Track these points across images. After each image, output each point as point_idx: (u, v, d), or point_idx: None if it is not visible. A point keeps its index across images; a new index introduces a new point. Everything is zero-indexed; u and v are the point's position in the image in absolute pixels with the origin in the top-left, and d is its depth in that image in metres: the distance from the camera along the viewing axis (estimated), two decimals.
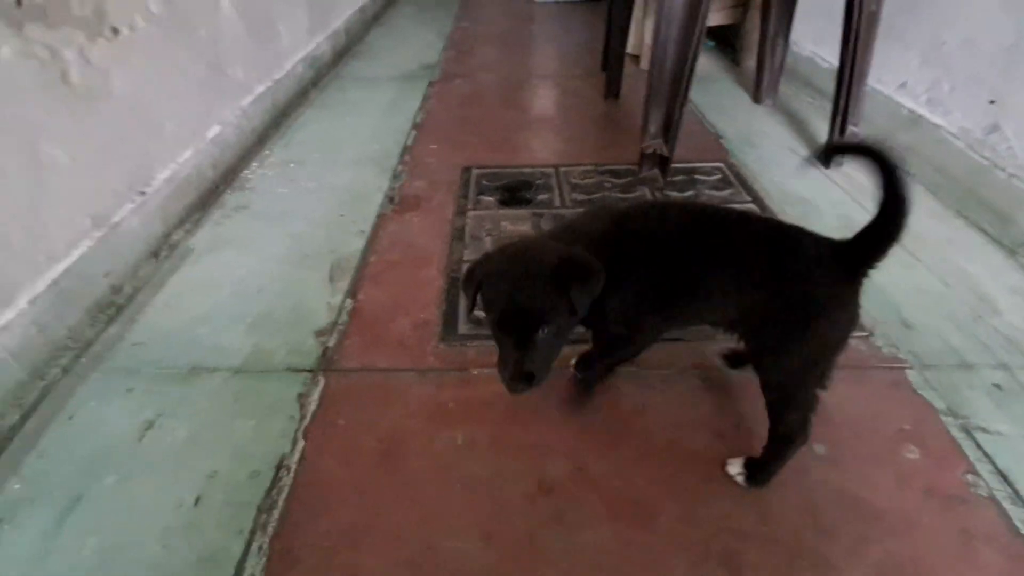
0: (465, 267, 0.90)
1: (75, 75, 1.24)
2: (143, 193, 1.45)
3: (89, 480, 0.98)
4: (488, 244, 1.54)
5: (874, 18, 1.75)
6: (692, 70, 1.58)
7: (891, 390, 1.12)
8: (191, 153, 1.66)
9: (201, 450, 1.02)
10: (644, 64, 2.72)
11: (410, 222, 1.67)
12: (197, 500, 0.94)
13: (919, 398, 1.10)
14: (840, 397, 1.08)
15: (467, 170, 1.92)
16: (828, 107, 1.95)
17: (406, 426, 1.06)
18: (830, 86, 1.93)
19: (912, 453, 1.00)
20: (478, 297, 0.87)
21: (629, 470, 0.97)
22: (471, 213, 1.69)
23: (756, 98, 2.39)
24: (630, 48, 2.62)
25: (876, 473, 0.97)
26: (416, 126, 2.27)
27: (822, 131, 2.07)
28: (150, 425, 1.06)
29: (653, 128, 1.69)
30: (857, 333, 1.22)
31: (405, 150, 2.08)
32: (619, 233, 0.91)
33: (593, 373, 1.11)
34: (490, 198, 1.76)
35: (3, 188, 1.07)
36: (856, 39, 1.77)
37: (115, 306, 1.32)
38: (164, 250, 1.51)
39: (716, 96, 2.44)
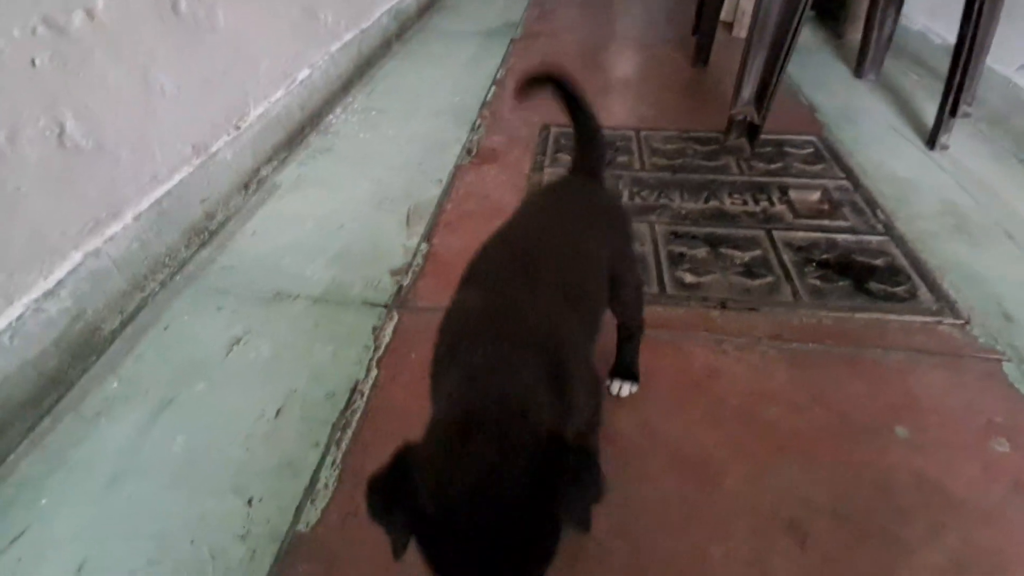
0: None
1: (185, 6, 1.30)
2: (238, 127, 1.51)
3: (180, 385, 1.05)
4: None
5: None
6: (796, 36, 1.49)
7: (985, 381, 1.05)
8: (282, 93, 1.71)
9: (282, 368, 1.07)
10: (737, 32, 2.59)
11: (486, 174, 1.67)
12: (278, 412, 0.99)
13: (1014, 392, 1.03)
14: (930, 383, 1.03)
15: (545, 128, 1.90)
16: (937, 86, 1.81)
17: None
18: (941, 64, 1.79)
19: (1001, 446, 0.94)
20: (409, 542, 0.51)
21: (697, 431, 0.95)
22: (548, 170, 1.67)
23: (858, 73, 2.24)
24: (723, 14, 2.50)
25: (961, 462, 0.92)
26: (496, 82, 2.26)
27: (929, 110, 1.93)
28: (237, 341, 1.12)
29: (746, 94, 1.62)
30: (952, 320, 1.16)
31: (484, 105, 2.08)
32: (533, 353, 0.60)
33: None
34: (568, 157, 1.74)
35: (118, 109, 1.14)
36: (979, 14, 1.63)
37: (208, 231, 1.40)
38: (253, 183, 1.58)
39: (814, 68, 2.30)
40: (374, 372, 1.07)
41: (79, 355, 1.06)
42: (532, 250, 0.76)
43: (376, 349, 1.11)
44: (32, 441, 0.96)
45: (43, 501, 0.88)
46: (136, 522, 0.85)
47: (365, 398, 1.02)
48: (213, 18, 1.38)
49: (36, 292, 0.99)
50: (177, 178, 1.30)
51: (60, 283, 1.02)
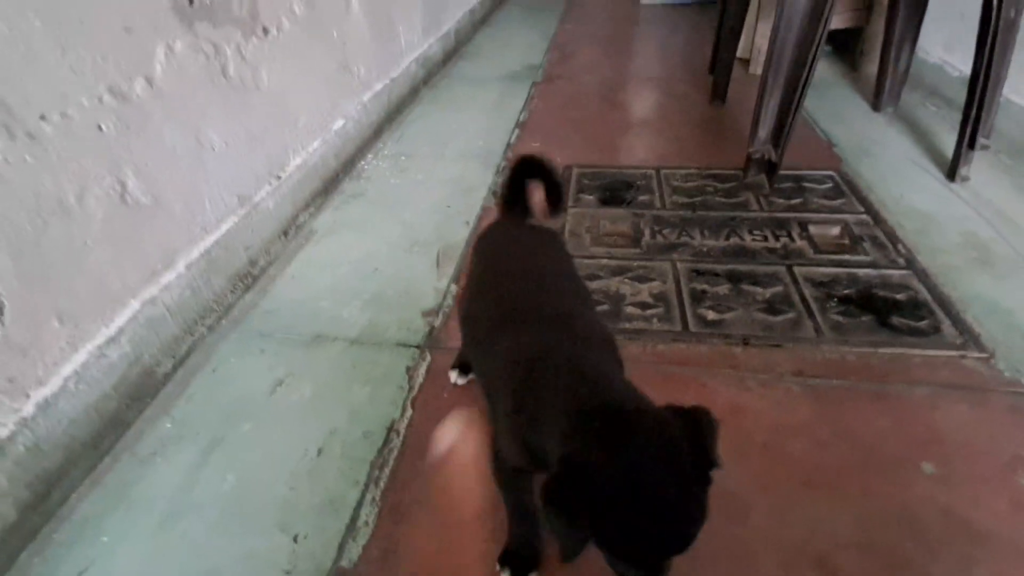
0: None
1: (232, 69, 1.40)
2: (279, 178, 1.61)
3: (229, 425, 1.11)
4: (588, 240, 1.58)
5: (1013, 24, 1.63)
6: (811, 74, 1.54)
7: (1010, 415, 1.06)
8: (319, 143, 1.81)
9: (323, 409, 1.13)
10: (754, 68, 2.66)
11: None
12: (319, 451, 1.05)
13: None
14: (955, 418, 1.04)
15: (568, 168, 1.97)
16: (955, 117, 1.83)
17: None
18: (958, 96, 1.82)
19: None
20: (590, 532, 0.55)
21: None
22: (572, 210, 1.73)
23: (876, 106, 2.28)
24: (740, 51, 2.57)
25: (988, 496, 0.92)
26: (519, 125, 2.34)
27: (948, 142, 1.95)
28: (280, 383, 1.19)
29: (763, 133, 1.67)
30: (977, 354, 1.17)
31: (509, 147, 2.16)
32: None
33: None
34: (590, 197, 1.80)
35: (173, 166, 1.23)
36: (992, 46, 1.66)
37: (251, 276, 1.48)
38: (292, 230, 1.67)
39: (831, 102, 2.35)
40: (409, 412, 1.12)
41: (136, 397, 1.14)
42: (533, 273, 0.86)
43: (410, 389, 1.16)
44: (93, 480, 1.03)
45: (104, 539, 0.94)
46: (190, 559, 0.90)
47: (401, 437, 1.07)
48: (258, 79, 1.49)
49: (99, 339, 1.07)
50: (224, 228, 1.39)
51: (121, 330, 1.10)
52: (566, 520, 0.55)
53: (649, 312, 1.32)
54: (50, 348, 0.98)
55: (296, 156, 1.70)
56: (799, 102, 1.59)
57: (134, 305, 1.15)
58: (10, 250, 0.90)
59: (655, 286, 1.40)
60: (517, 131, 2.28)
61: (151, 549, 0.92)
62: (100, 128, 1.07)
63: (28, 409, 0.94)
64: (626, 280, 1.42)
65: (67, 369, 1.01)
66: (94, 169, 1.06)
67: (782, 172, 1.74)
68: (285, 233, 1.63)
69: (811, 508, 0.91)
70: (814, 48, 1.54)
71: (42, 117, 0.96)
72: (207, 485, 1.01)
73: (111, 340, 1.09)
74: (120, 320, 1.11)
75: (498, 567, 0.85)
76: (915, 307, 1.29)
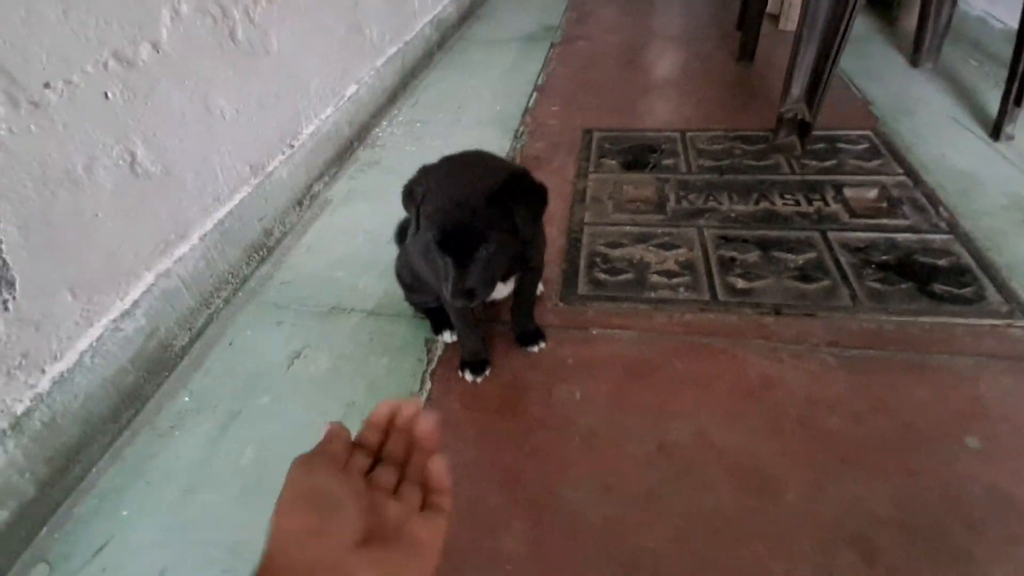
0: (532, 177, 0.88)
1: (241, 33, 1.35)
2: (292, 146, 1.57)
3: (247, 398, 1.09)
4: (610, 207, 1.53)
5: None
6: (849, 27, 1.45)
7: None
8: (332, 110, 1.76)
9: (341, 381, 1.11)
10: (784, 24, 2.53)
11: None
12: None
13: None
14: (1000, 389, 0.99)
15: (588, 132, 1.90)
16: (1000, 73, 1.72)
17: (526, 378, 1.09)
18: (1003, 50, 1.71)
19: None
20: (419, 213, 0.86)
21: (754, 441, 0.94)
22: (592, 176, 1.67)
23: (914, 61, 2.15)
24: (769, 7, 2.45)
25: None
26: (537, 88, 2.26)
27: (992, 100, 1.84)
28: (297, 355, 1.17)
29: (796, 90, 1.58)
30: (1022, 323, 1.10)
31: (526, 111, 2.09)
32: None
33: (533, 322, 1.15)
34: (612, 161, 1.74)
35: (183, 135, 1.20)
36: None
37: (266, 247, 1.45)
38: (306, 199, 1.63)
39: (866, 58, 2.22)
40: (428, 384, 1.09)
41: (153, 371, 1.13)
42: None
43: (429, 362, 1.14)
44: (112, 455, 1.02)
45: (124, 512, 0.94)
46: (211, 533, 0.89)
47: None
48: (267, 43, 1.44)
49: (114, 313, 1.05)
50: (237, 198, 1.36)
51: (135, 303, 1.08)
52: (405, 200, 0.90)
53: (675, 281, 1.27)
54: (64, 322, 0.97)
55: (309, 124, 1.66)
56: (836, 57, 1.50)
57: (148, 278, 1.13)
58: (18, 222, 0.88)
59: (681, 253, 1.34)
60: (535, 94, 2.21)
61: (171, 523, 0.91)
62: (106, 96, 1.03)
63: (44, 384, 0.93)
64: (651, 248, 1.37)
65: (83, 343, 1.00)
66: (102, 138, 1.03)
67: (814, 133, 1.65)
68: (299, 203, 1.60)
69: (848, 485, 0.87)
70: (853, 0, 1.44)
71: (46, 85, 0.92)
72: (226, 459, 1.00)
73: (126, 314, 1.07)
74: (135, 293, 1.09)
75: (460, 372, 1.09)
76: (958, 273, 1.23)
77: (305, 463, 0.42)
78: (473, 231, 0.82)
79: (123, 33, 1.05)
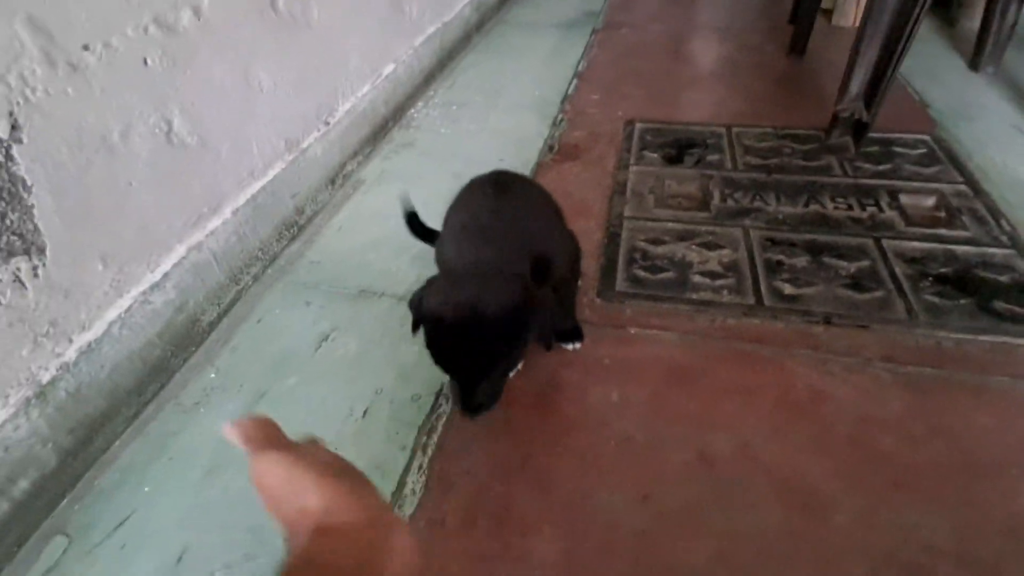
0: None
1: (282, 3, 1.31)
2: (327, 123, 1.53)
3: (273, 378, 1.07)
4: (651, 201, 1.47)
5: None
6: (917, 25, 1.37)
7: None
8: (368, 88, 1.73)
9: (369, 366, 1.08)
10: (837, 20, 2.43)
11: (569, 172, 1.63)
12: (365, 412, 1.00)
13: None
14: None
15: (630, 123, 1.84)
16: None
17: (561, 376, 1.05)
18: None
19: None
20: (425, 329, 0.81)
21: (802, 458, 0.89)
22: (633, 168, 1.62)
23: (974, 65, 2.05)
24: (823, 1, 2.35)
25: None
26: (578, 75, 2.20)
27: None
28: (325, 337, 1.14)
29: (855, 88, 1.50)
30: None
31: (566, 99, 2.03)
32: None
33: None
34: (654, 154, 1.68)
35: (220, 106, 1.17)
36: None
37: (297, 225, 1.42)
38: (339, 178, 1.60)
39: (924, 59, 2.12)
40: None
41: (180, 345, 1.11)
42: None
43: None
44: (136, 428, 1.01)
45: (146, 488, 0.92)
46: (233, 514, 0.87)
47: (450, 403, 1.01)
48: (308, 15, 1.40)
49: (144, 284, 1.03)
50: (271, 173, 1.33)
51: (166, 275, 1.06)
52: (412, 307, 0.83)
53: (719, 283, 1.21)
54: (94, 292, 0.95)
55: (345, 101, 1.62)
56: (901, 56, 1.41)
57: (180, 250, 1.10)
58: (51, 187, 0.86)
59: (725, 254, 1.29)
60: (575, 81, 2.14)
61: (193, 501, 0.89)
62: (145, 62, 1.01)
63: (70, 354, 0.91)
64: (693, 246, 1.31)
65: (111, 314, 0.98)
66: (139, 105, 1.00)
67: (869, 134, 1.57)
68: (332, 181, 1.57)
69: (903, 512, 0.82)
70: None
71: (85, 47, 0.89)
72: None
73: (156, 286, 1.05)
74: (165, 265, 1.07)
75: None
76: (1021, 291, 1.15)
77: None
78: (480, 362, 0.78)
79: None
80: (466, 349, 0.77)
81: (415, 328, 0.83)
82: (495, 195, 0.98)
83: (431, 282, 0.83)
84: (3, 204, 0.80)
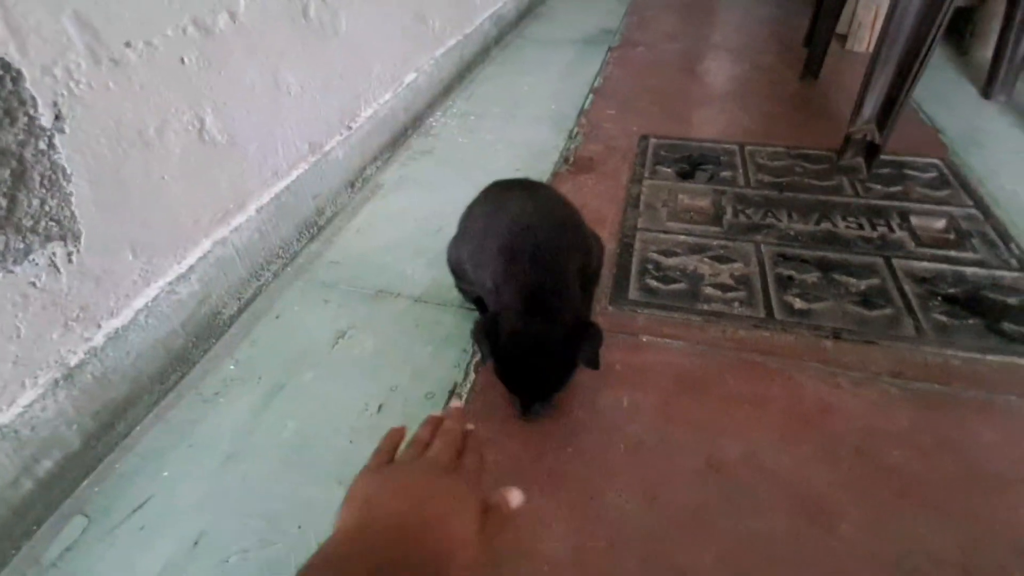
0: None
1: (313, 11, 1.36)
2: (349, 128, 1.57)
3: (291, 372, 1.09)
4: (664, 214, 1.50)
5: None
6: (931, 50, 1.39)
7: None
8: (390, 95, 1.77)
9: (384, 364, 1.10)
10: (851, 45, 2.46)
11: (584, 184, 1.66)
12: (380, 408, 1.02)
13: None
14: None
15: (644, 138, 1.87)
16: None
17: (573, 380, 1.07)
18: None
19: None
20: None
21: (810, 468, 0.90)
22: (647, 182, 1.64)
23: (986, 93, 2.07)
24: (838, 26, 2.38)
25: None
26: (594, 90, 2.24)
27: None
28: (342, 334, 1.16)
29: (868, 111, 1.53)
30: None
31: (582, 113, 2.07)
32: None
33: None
34: (668, 169, 1.70)
35: (250, 106, 1.20)
36: None
37: (317, 225, 1.46)
38: (359, 182, 1.63)
39: (936, 85, 2.15)
40: (472, 376, 1.08)
41: (202, 336, 1.13)
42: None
43: (474, 354, 1.12)
44: (157, 415, 1.03)
45: (165, 473, 0.94)
46: (249, 501, 0.89)
47: (463, 401, 1.03)
48: (336, 23, 1.44)
49: (171, 275, 1.06)
50: (295, 174, 1.36)
51: (191, 268, 1.09)
52: (479, 336, 0.91)
53: (730, 295, 1.23)
54: (123, 280, 0.98)
55: (368, 107, 1.66)
56: (914, 81, 1.44)
57: (205, 244, 1.13)
58: (89, 177, 0.89)
59: (737, 268, 1.31)
60: (591, 96, 2.18)
61: (210, 488, 0.91)
62: (182, 61, 1.04)
63: (98, 339, 0.94)
64: (705, 259, 1.33)
65: (139, 302, 1.01)
66: (175, 102, 1.03)
67: (881, 157, 1.60)
68: (352, 184, 1.60)
69: (909, 523, 0.83)
70: (938, 24, 1.38)
71: (127, 44, 0.93)
72: (268, 430, 1.00)
73: (182, 277, 1.08)
74: (191, 258, 1.10)
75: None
76: None
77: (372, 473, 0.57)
78: (545, 388, 0.94)
79: (204, 0, 1.06)
80: (535, 379, 0.92)
81: (484, 360, 1.01)
82: (529, 198, 1.04)
83: (495, 317, 0.92)
84: (43, 191, 0.83)
